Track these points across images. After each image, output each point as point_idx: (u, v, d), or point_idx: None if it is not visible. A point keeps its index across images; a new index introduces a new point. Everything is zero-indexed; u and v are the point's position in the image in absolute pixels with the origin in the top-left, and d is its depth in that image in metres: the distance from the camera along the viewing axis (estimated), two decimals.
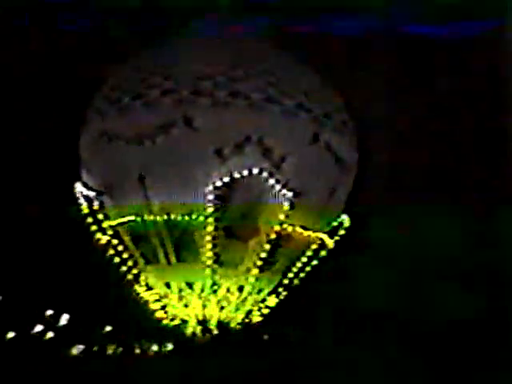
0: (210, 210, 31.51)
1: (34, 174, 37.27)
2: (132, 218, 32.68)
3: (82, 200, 34.02)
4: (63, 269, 35.15)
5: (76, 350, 30.95)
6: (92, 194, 33.87)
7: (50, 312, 32.01)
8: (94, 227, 33.73)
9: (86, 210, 33.94)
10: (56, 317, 32.12)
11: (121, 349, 32.18)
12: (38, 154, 37.69)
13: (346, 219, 34.89)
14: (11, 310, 31.24)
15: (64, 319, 32.05)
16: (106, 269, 33.24)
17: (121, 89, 33.32)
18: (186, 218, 31.95)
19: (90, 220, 33.82)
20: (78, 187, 34.15)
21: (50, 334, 31.25)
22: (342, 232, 34.63)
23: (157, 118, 32.01)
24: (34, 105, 37.71)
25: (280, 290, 34.62)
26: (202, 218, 31.79)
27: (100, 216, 33.67)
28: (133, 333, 32.99)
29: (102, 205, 33.83)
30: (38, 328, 31.09)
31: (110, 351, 32.00)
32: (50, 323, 31.61)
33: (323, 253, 34.32)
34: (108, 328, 32.80)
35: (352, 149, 34.42)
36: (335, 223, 34.74)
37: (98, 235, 33.77)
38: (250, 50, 33.56)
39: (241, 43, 33.69)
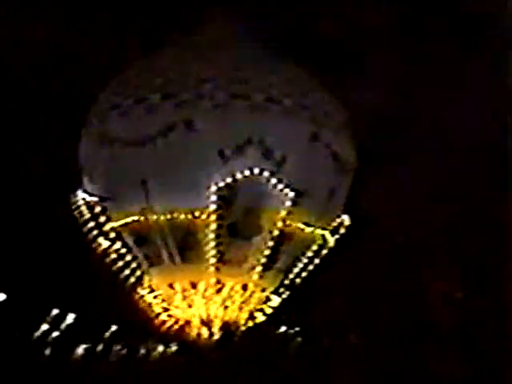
0: (213, 207, 31.97)
1: (34, 178, 37.55)
2: (135, 218, 33.04)
3: (83, 207, 34.55)
4: (68, 269, 35.37)
5: (80, 350, 31.16)
6: (94, 199, 34.39)
7: (55, 311, 32.23)
8: (95, 231, 34.28)
9: (87, 215, 34.48)
10: (61, 316, 32.33)
11: (125, 350, 32.40)
12: (36, 160, 37.97)
13: (346, 218, 35.42)
14: (15, 310, 31.42)
15: (69, 319, 32.28)
16: (111, 269, 33.54)
17: (122, 93, 33.81)
18: (189, 216, 32.39)
19: (91, 224, 34.36)
20: (80, 194, 34.59)
21: (55, 334, 31.46)
22: (342, 230, 35.23)
23: (158, 121, 32.41)
24: (32, 110, 38.00)
25: (282, 290, 35.14)
26: (204, 217, 32.28)
27: (102, 219, 34.15)
28: (138, 333, 33.22)
29: (104, 209, 34.32)
30: (44, 327, 31.32)
31: (114, 352, 32.20)
32: (55, 323, 31.81)
33: (324, 251, 34.96)
34: (113, 328, 33.03)
35: (351, 148, 34.98)
36: (335, 223, 35.28)
37: (100, 239, 34.33)
38: (249, 51, 34.08)
39: (240, 44, 34.27)
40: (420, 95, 39.60)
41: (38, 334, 30.98)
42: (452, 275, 37.89)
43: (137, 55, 35.15)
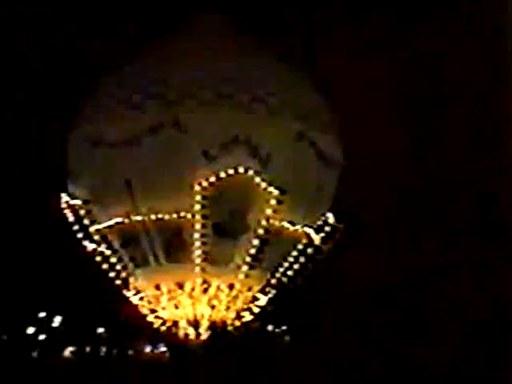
0: (198, 207, 31.99)
1: (22, 181, 37.57)
2: (119, 219, 33.00)
3: (67, 210, 34.47)
4: (54, 271, 35.38)
5: (68, 352, 31.19)
6: (78, 202, 34.34)
7: (42, 314, 32.26)
8: (80, 234, 34.19)
9: (71, 218, 34.43)
10: (49, 319, 32.36)
11: (114, 350, 32.42)
12: (21, 162, 37.96)
13: (330, 216, 35.44)
14: (3, 312, 31.49)
15: (56, 321, 32.31)
16: (98, 271, 33.53)
17: (106, 93, 33.80)
18: (174, 216, 32.37)
19: (76, 227, 34.29)
20: (63, 197, 34.55)
21: (42, 336, 31.49)
22: (327, 229, 35.25)
23: (143, 121, 32.41)
24: (17, 111, 37.99)
25: (268, 289, 35.13)
26: (189, 216, 32.26)
27: (86, 221, 34.08)
28: (126, 334, 33.24)
29: (88, 212, 34.24)
30: (31, 330, 31.34)
31: (102, 353, 32.24)
32: (43, 325, 31.84)
33: (310, 250, 34.98)
34: (101, 329, 33.08)
35: (337, 146, 35.07)
36: (320, 221, 35.32)
37: (86, 242, 34.25)
38: (234, 50, 34.07)
39: (226, 44, 34.32)
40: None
41: (25, 336, 31.00)
42: (447, 272, 38.02)
43: (124, 56, 35.04)
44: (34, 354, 30.66)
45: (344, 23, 39.09)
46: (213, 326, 33.80)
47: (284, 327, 36.80)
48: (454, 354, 33.03)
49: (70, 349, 31.28)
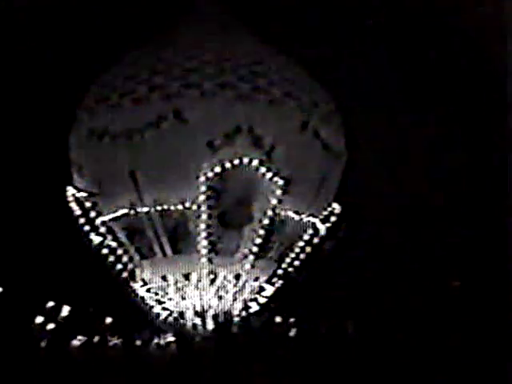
0: (203, 197, 32.21)
1: (31, 173, 37.87)
2: (125, 211, 33.20)
3: (73, 203, 34.69)
4: (63, 261, 35.64)
5: (77, 342, 31.41)
6: (83, 194, 34.60)
7: (51, 304, 32.48)
8: (87, 227, 34.43)
9: (78, 211, 34.69)
10: (57, 308, 32.58)
11: (121, 340, 32.61)
12: (26, 156, 38.23)
13: (336, 207, 35.64)
14: (12, 302, 31.74)
15: (65, 311, 32.54)
16: (105, 261, 33.78)
17: (109, 86, 33.98)
18: (180, 207, 32.61)
19: (82, 220, 34.52)
20: (70, 190, 34.83)
21: (50, 326, 31.72)
22: (333, 219, 35.44)
23: (146, 113, 32.59)
24: (21, 106, 38.25)
25: (275, 279, 35.30)
26: (195, 207, 32.49)
27: (92, 214, 34.33)
28: (133, 325, 33.43)
29: (94, 204, 34.52)
30: (39, 319, 31.58)
31: (110, 343, 32.44)
32: (51, 315, 32.07)
33: (316, 240, 35.15)
34: (109, 320, 33.28)
35: (340, 137, 35.26)
36: (326, 212, 35.50)
37: (92, 235, 34.47)
38: (236, 41, 34.44)
39: (227, 34, 34.64)
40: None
41: (34, 325, 31.22)
42: (449, 263, 38.08)
43: (125, 49, 35.35)
44: (43, 344, 30.87)
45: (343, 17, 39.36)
46: (219, 316, 34.04)
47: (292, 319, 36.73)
48: None
49: (79, 338, 31.49)
